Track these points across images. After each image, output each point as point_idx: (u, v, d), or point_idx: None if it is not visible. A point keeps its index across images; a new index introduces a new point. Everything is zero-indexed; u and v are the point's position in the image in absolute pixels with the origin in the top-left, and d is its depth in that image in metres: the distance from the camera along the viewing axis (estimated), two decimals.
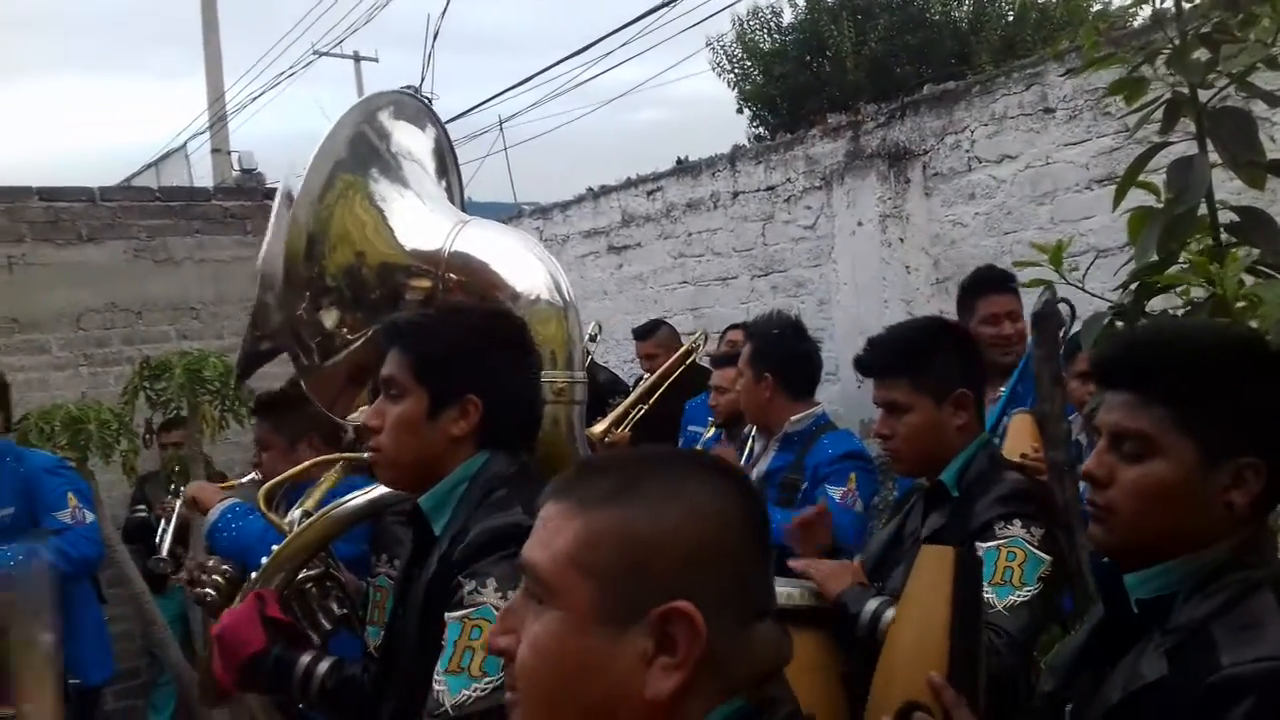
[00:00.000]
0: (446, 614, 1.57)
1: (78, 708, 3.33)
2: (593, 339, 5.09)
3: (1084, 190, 5.25)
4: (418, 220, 2.33)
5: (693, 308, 7.63)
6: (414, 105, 2.57)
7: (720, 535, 0.92)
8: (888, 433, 2.22)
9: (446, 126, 2.61)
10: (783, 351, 3.37)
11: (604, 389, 5.54)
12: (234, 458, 5.68)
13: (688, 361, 5.30)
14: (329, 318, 2.29)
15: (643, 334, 5.89)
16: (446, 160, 2.56)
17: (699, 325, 6.85)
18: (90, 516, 3.63)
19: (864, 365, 2.29)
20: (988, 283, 3.49)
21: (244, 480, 2.94)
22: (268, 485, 2.45)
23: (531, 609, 0.93)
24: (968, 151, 5.81)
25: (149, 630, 4.80)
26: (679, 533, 0.90)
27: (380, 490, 2.20)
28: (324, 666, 1.93)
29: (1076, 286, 2.36)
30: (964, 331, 2.53)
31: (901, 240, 6.03)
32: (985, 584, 1.81)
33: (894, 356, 2.23)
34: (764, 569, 0.97)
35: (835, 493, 3.04)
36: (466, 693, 1.50)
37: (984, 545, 1.96)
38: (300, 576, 2.26)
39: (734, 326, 5.14)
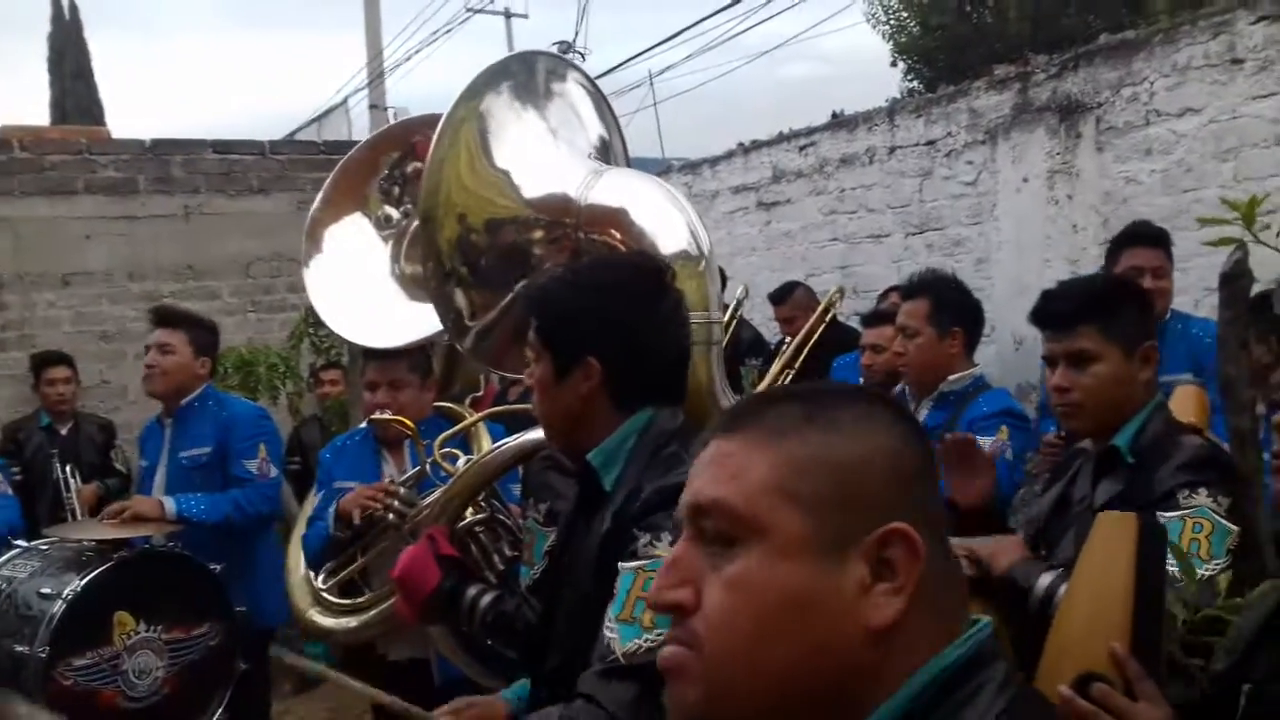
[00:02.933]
0: (620, 564, 1.59)
1: (257, 643, 3.42)
2: (740, 302, 5.08)
3: (1273, 146, 4.92)
4: (547, 173, 2.31)
5: (842, 265, 7.49)
6: (555, 62, 2.56)
7: (911, 455, 0.90)
8: (1068, 385, 2.09)
9: (597, 82, 2.60)
10: (969, 306, 3.39)
11: (744, 348, 5.49)
12: None
13: (828, 318, 5.22)
14: (458, 285, 2.30)
15: (778, 298, 5.84)
16: (595, 114, 2.53)
17: (848, 284, 6.74)
18: (274, 472, 3.73)
19: (1049, 314, 2.16)
20: (1137, 236, 3.51)
21: (382, 418, 3.00)
22: (458, 428, 2.60)
23: (712, 555, 0.87)
24: (1146, 104, 5.49)
25: None
26: (880, 454, 0.88)
27: (528, 436, 2.26)
28: (486, 600, 2.03)
29: (1270, 246, 2.21)
30: (1142, 288, 2.41)
31: (1070, 197, 5.76)
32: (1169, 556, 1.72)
33: (1084, 303, 2.12)
34: (939, 491, 0.96)
35: (984, 442, 2.96)
36: (638, 641, 1.51)
37: (1167, 515, 1.86)
38: (469, 520, 2.33)
39: (893, 289, 5.04)
